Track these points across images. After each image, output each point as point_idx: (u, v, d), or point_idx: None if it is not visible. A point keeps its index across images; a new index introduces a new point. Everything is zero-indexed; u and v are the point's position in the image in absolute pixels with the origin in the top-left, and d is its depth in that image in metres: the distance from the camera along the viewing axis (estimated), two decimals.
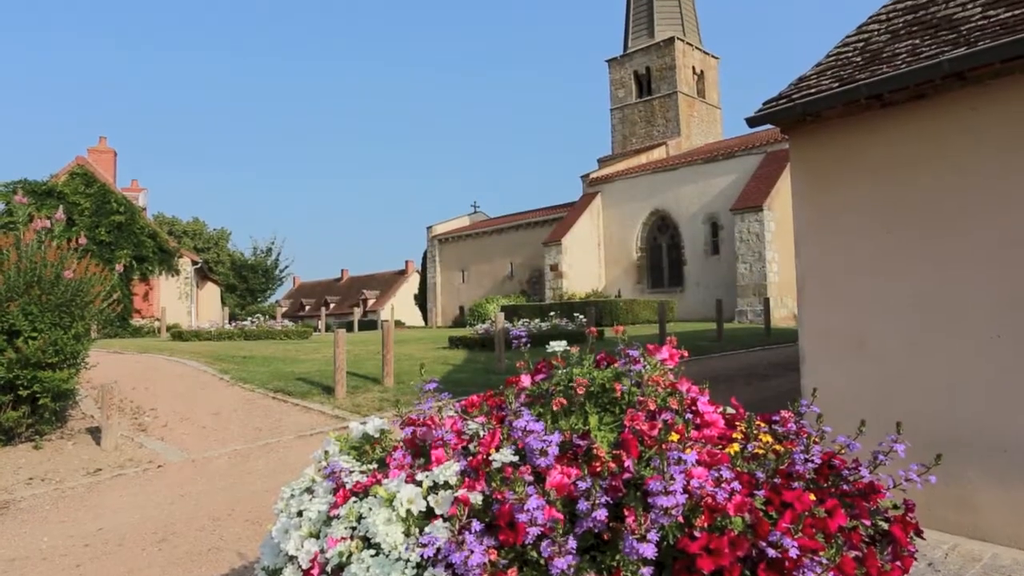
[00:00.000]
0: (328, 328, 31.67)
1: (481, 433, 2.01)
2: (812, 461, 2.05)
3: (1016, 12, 4.28)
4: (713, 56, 39.49)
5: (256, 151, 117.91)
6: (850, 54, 5.45)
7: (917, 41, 4.90)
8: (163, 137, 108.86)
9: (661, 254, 31.00)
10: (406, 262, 64.51)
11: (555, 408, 2.03)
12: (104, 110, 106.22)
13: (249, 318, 26.30)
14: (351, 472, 2.09)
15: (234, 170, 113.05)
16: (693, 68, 37.81)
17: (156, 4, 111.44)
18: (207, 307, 36.53)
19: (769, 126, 5.71)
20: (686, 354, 2.39)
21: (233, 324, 23.66)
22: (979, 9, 4.68)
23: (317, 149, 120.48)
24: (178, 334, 21.78)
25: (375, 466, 2.14)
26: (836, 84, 5.00)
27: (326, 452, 2.29)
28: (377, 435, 2.28)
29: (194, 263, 31.96)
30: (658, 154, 35.01)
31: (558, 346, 2.27)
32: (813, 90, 5.15)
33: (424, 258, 43.63)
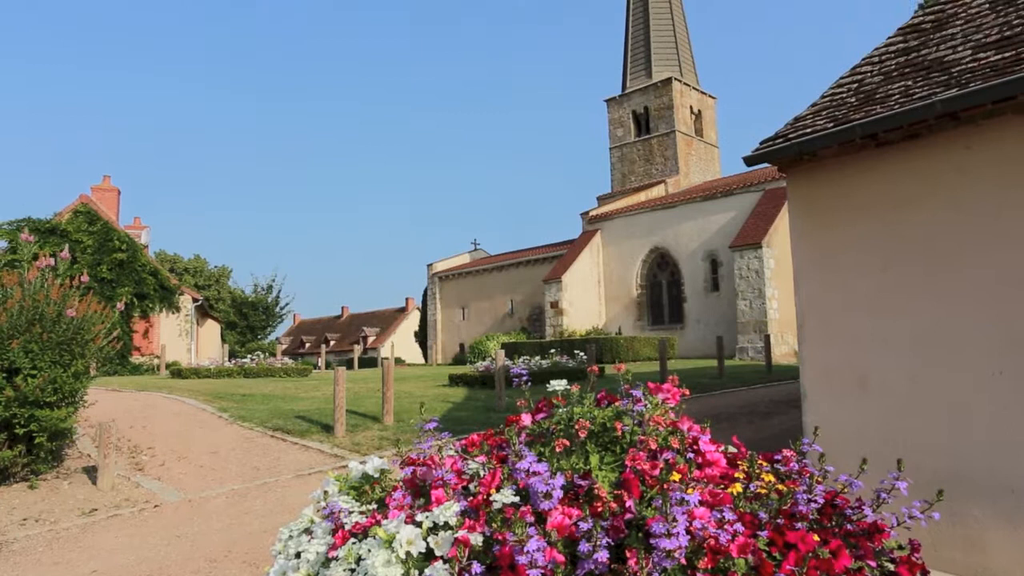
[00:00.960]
0: (328, 366, 31.56)
1: (482, 473, 2.00)
2: (815, 501, 2.04)
3: (1005, 55, 4.37)
4: (710, 96, 40.09)
5: (258, 189, 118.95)
6: (844, 95, 5.55)
7: (910, 82, 4.99)
8: (166, 174, 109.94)
9: (661, 291, 31.04)
10: (406, 299, 64.57)
11: (557, 450, 2.02)
12: (109, 148, 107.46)
13: (249, 355, 26.23)
14: (350, 513, 2.08)
15: (236, 207, 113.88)
16: (691, 108, 38.35)
17: (159, 43, 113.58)
18: (207, 344, 36.45)
19: (766, 164, 5.78)
20: (687, 392, 2.39)
21: (233, 361, 23.57)
22: (969, 52, 4.78)
23: (319, 187, 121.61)
24: (177, 371, 21.70)
25: (375, 506, 2.13)
26: (831, 124, 5.08)
27: (325, 492, 2.27)
28: (377, 475, 2.27)
29: (195, 300, 31.99)
30: (657, 192, 35.30)
31: (559, 385, 2.27)
32: (809, 130, 5.23)
33: (424, 295, 43.67)
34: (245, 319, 52.27)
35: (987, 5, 5.16)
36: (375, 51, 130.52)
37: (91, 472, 8.10)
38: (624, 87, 39.88)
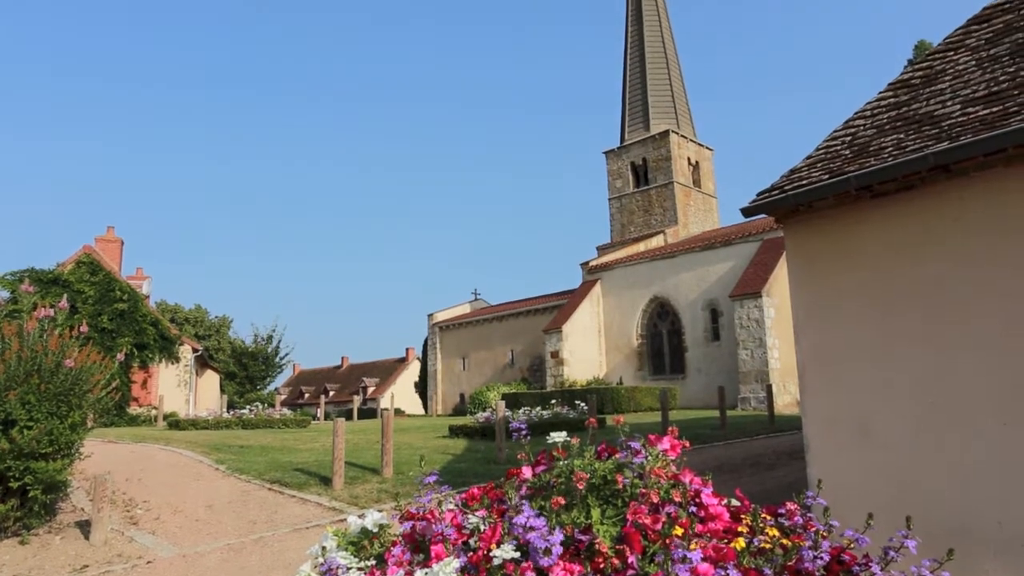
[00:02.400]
0: (327, 416, 31.27)
1: (482, 528, 1.97)
2: (821, 557, 2.00)
3: (993, 110, 4.47)
4: (707, 148, 40.73)
5: (260, 240, 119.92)
6: (839, 147, 5.65)
7: (902, 135, 5.09)
8: (169, 223, 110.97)
9: (662, 341, 30.97)
10: (407, 349, 64.35)
11: (555, 506, 2.00)
12: (114, 197, 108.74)
13: (248, 406, 26.02)
14: (348, 569, 2.04)
15: (238, 257, 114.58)
16: (688, 159, 38.92)
17: (162, 98, 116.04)
18: (206, 395, 36.19)
19: (764, 215, 5.85)
20: (688, 444, 2.37)
21: (231, 412, 23.36)
22: (958, 107, 4.88)
23: (320, 238, 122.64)
24: (175, 423, 21.49)
25: (373, 562, 2.09)
26: (827, 176, 5.16)
27: (323, 548, 2.24)
28: (376, 530, 2.24)
29: (194, 351, 31.88)
30: (656, 242, 35.55)
31: (559, 437, 2.26)
32: (804, 182, 5.31)
33: (425, 345, 43.55)
34: (245, 369, 51.99)
35: (973, 62, 5.30)
36: (376, 104, 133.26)
37: (84, 526, 7.96)
38: (622, 139, 40.56)
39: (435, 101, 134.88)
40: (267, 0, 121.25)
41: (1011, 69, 4.82)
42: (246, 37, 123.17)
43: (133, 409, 25.47)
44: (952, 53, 5.70)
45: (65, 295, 10.97)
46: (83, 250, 27.83)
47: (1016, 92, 4.52)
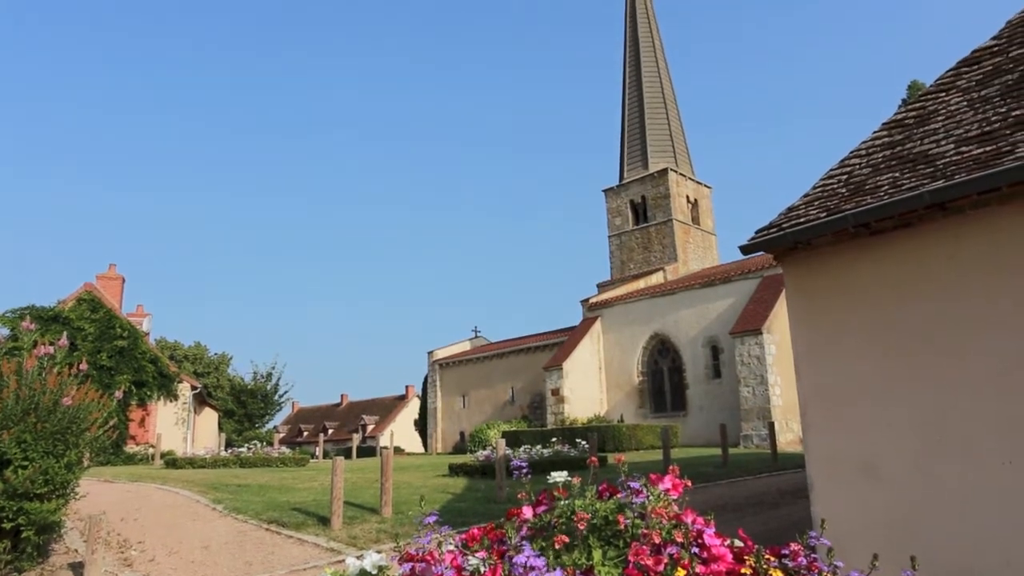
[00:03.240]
0: (326, 455, 30.99)
1: (482, 569, 1.95)
2: None
3: (987, 149, 4.54)
4: (706, 185, 41.11)
5: (260, 276, 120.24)
6: (835, 186, 5.71)
7: (897, 174, 5.16)
8: (170, 260, 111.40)
9: (663, 378, 30.83)
10: (406, 387, 64.02)
11: (557, 546, 1.98)
12: (117, 233, 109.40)
13: (246, 444, 25.79)
14: None
15: (238, 294, 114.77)
16: (687, 197, 39.25)
17: (165, 138, 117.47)
18: (204, 433, 35.89)
19: (763, 252, 5.88)
20: (690, 484, 2.36)
21: (229, 451, 23.16)
22: (952, 146, 4.96)
23: (320, 274, 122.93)
24: (172, 461, 21.29)
25: None
26: (824, 214, 5.21)
27: None
28: (374, 571, 2.22)
29: (193, 388, 31.72)
30: (656, 279, 35.64)
31: (559, 476, 2.25)
32: (802, 219, 5.36)
33: (425, 383, 43.35)
34: (243, 407, 51.64)
35: (965, 103, 5.40)
36: (375, 146, 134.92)
37: (77, 568, 7.82)
38: (621, 177, 40.96)
39: (433, 139, 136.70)
40: (265, 39, 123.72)
41: (1002, 110, 4.90)
42: (248, 76, 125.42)
43: (130, 447, 25.26)
44: (944, 94, 5.80)
45: (65, 332, 10.96)
46: (84, 288, 27.90)
47: (1008, 132, 4.60)
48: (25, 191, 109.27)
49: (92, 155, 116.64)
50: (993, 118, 4.89)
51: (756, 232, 5.70)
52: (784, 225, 5.45)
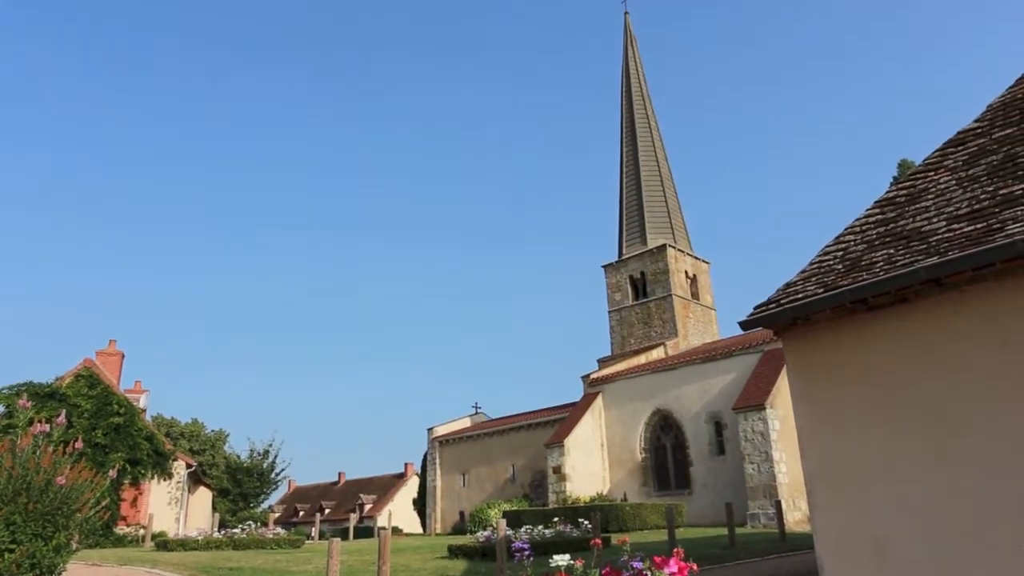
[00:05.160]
0: (322, 535, 30.11)
1: None
2: None
3: (978, 226, 4.63)
4: (704, 261, 41.51)
5: (259, 352, 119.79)
6: (831, 262, 5.79)
7: (892, 251, 5.24)
8: (170, 333, 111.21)
9: (666, 455, 30.28)
10: (405, 465, 62.79)
11: None
12: (117, 309, 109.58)
13: (240, 525, 25.12)
14: None
15: (237, 369, 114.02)
16: (686, 272, 39.57)
17: (166, 213, 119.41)
18: (197, 512, 35.00)
19: (762, 327, 5.90)
20: (695, 566, 2.31)
21: (222, 532, 22.52)
22: (943, 223, 5.06)
23: (319, 351, 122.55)
24: (164, 543, 20.67)
25: None
26: (822, 289, 5.26)
27: None
28: None
29: (188, 467, 31.15)
30: (657, 354, 35.50)
31: (562, 560, 2.21)
32: (800, 295, 5.41)
33: (424, 460, 42.54)
34: (239, 486, 50.55)
35: (954, 182, 5.54)
36: (376, 215, 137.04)
37: None
38: (620, 253, 41.41)
39: (432, 215, 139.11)
40: (263, 126, 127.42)
41: (990, 188, 5.03)
42: (255, 171, 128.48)
43: (120, 528, 24.58)
44: (932, 173, 5.96)
45: (63, 411, 10.86)
46: (83, 363, 27.81)
47: (997, 209, 4.70)
48: (28, 274, 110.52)
49: (93, 243, 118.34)
50: (982, 196, 5.01)
51: (755, 308, 5.74)
52: (783, 301, 5.50)
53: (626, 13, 47.66)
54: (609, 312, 40.44)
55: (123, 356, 32.79)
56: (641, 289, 39.62)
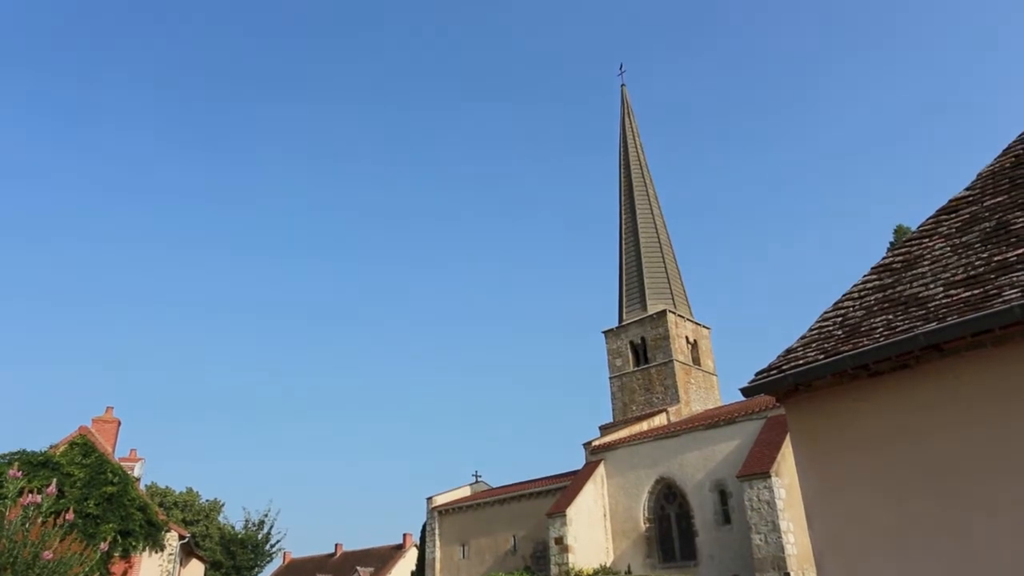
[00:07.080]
0: None
1: None
2: None
3: (975, 292, 4.66)
4: (704, 326, 41.47)
5: (255, 421, 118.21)
6: (831, 328, 5.79)
7: (891, 316, 5.25)
8: (167, 401, 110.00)
9: (670, 524, 29.51)
10: (404, 535, 61.15)
11: None
12: (115, 376, 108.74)
13: None
14: None
15: (233, 436, 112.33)
16: (686, 338, 39.47)
17: (167, 279, 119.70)
18: None
19: (764, 394, 5.86)
20: None
21: None
22: (941, 289, 5.09)
23: (316, 421, 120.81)
24: None
25: None
26: (822, 356, 5.25)
27: None
28: None
29: (181, 538, 30.31)
30: (659, 420, 35.05)
31: None
32: (801, 361, 5.39)
33: (423, 531, 41.45)
34: (232, 558, 49.03)
35: (948, 248, 5.60)
36: (375, 294, 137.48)
37: None
38: (620, 319, 41.41)
39: (433, 283, 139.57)
40: (261, 195, 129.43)
41: (984, 255, 5.08)
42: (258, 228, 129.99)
43: None
44: (927, 240, 6.03)
45: (55, 480, 10.67)
46: (79, 431, 27.43)
47: (993, 276, 4.74)
48: (29, 334, 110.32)
49: (92, 300, 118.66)
50: (977, 263, 5.06)
51: (756, 374, 5.71)
52: (784, 367, 5.48)
53: (623, 86, 49.10)
54: (610, 378, 40.12)
55: (119, 424, 32.38)
56: (642, 355, 39.42)
